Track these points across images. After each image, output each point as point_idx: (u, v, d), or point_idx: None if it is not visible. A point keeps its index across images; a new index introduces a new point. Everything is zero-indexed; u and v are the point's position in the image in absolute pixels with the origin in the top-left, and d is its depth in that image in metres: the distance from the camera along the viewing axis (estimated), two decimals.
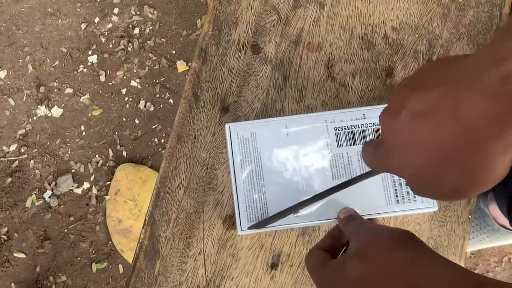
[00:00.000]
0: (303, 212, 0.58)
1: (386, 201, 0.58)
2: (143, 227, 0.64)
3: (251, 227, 0.58)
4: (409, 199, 0.58)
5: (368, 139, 0.60)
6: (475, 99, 0.29)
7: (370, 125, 0.61)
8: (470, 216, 0.65)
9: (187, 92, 0.68)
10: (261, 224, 0.57)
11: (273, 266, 0.64)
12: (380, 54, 0.69)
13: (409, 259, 0.36)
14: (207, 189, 0.64)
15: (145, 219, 0.64)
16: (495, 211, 1.07)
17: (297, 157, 0.60)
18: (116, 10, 1.63)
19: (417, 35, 0.70)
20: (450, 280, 0.33)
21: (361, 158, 0.59)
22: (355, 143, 0.60)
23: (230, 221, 0.64)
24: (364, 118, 0.61)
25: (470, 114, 0.29)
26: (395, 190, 0.59)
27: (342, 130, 0.61)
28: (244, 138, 0.61)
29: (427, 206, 0.58)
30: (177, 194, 0.65)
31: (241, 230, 0.58)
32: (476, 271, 1.42)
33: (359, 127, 0.61)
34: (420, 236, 0.64)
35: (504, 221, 1.07)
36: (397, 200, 0.58)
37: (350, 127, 0.61)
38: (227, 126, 0.61)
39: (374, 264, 0.38)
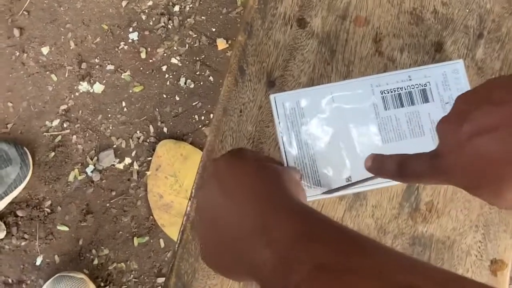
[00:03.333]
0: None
1: None
2: (189, 199, 0.65)
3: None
4: None
5: (415, 101, 0.60)
6: None
7: (417, 86, 0.60)
8: None
9: (233, 66, 0.68)
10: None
11: None
12: (429, 29, 0.68)
13: None
14: None
15: (192, 191, 0.65)
16: None
17: (345, 123, 0.60)
18: None
19: (467, 10, 0.68)
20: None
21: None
22: (402, 105, 0.60)
23: None
24: (410, 80, 0.60)
25: None
26: None
27: (388, 93, 0.60)
28: (290, 108, 0.60)
29: None
30: None
31: None
32: None
33: (405, 89, 0.60)
34: (469, 213, 0.63)
35: None
36: None
37: (396, 89, 0.60)
38: (271, 96, 0.61)
39: None
